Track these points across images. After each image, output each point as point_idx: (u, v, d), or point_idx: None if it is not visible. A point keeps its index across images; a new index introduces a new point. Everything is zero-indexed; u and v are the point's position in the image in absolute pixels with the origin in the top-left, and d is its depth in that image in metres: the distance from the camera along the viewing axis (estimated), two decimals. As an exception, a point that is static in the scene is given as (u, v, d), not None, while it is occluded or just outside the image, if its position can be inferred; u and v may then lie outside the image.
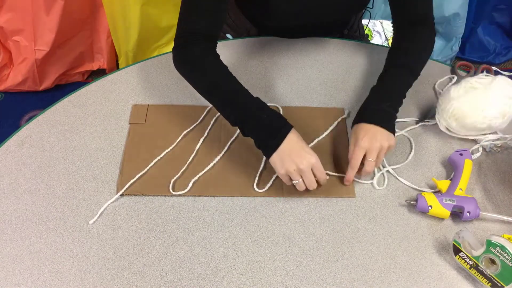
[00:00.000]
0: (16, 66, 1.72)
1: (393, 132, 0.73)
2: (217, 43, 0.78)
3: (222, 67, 0.75)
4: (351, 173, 0.73)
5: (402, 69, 0.79)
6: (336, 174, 0.76)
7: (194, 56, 0.75)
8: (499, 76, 0.78)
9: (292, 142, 0.68)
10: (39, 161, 0.77)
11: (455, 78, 0.92)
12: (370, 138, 0.71)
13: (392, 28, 0.88)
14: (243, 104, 0.72)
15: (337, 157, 0.79)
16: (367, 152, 0.71)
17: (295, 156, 0.67)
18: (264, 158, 0.77)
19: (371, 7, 0.97)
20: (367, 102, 0.77)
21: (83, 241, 0.68)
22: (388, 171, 0.77)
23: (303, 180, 0.68)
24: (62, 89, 1.83)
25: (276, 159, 0.68)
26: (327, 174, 0.75)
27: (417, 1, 0.84)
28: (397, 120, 0.84)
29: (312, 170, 0.68)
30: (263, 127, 0.69)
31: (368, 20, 1.20)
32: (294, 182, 0.69)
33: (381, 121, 0.72)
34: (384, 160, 0.78)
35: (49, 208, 0.71)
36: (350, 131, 0.82)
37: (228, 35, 1.04)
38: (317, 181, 0.70)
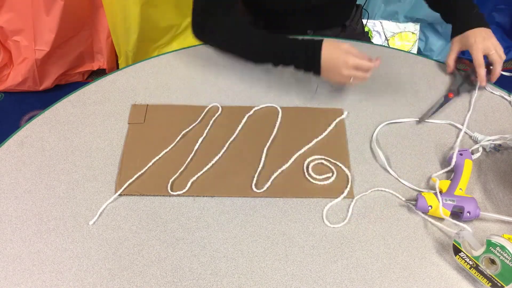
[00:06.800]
0: (16, 66, 1.72)
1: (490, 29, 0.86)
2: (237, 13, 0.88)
3: (245, 22, 0.87)
4: (482, 72, 0.83)
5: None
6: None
7: (218, 22, 0.85)
8: None
9: (328, 51, 0.78)
10: (39, 161, 0.77)
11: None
12: (481, 39, 0.83)
13: None
14: (279, 41, 0.82)
15: (335, 157, 0.79)
16: (486, 50, 0.83)
17: (336, 64, 0.77)
18: (263, 158, 0.77)
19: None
20: (461, 12, 0.89)
21: (83, 241, 0.68)
22: (388, 171, 0.77)
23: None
24: (62, 89, 1.83)
25: (326, 74, 0.79)
26: (331, 171, 0.76)
27: None
28: (396, 120, 0.85)
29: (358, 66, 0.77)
30: (300, 52, 0.79)
31: (366, 20, 1.20)
32: (356, 74, 0.77)
33: (483, 23, 0.86)
34: (385, 162, 0.78)
35: (49, 208, 0.71)
36: (349, 132, 0.83)
37: None
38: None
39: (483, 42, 0.82)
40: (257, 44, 0.84)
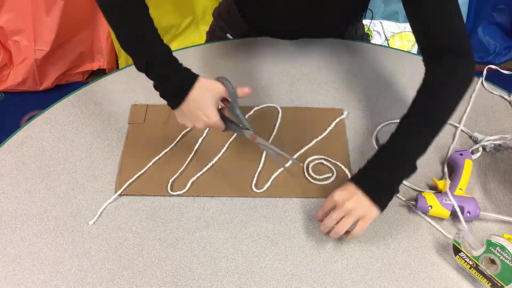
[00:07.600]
0: (16, 66, 1.72)
1: (381, 206, 0.63)
2: None
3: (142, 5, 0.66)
4: (319, 213, 0.67)
5: (422, 120, 0.66)
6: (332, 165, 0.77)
7: None
8: None
9: (196, 97, 0.64)
10: (39, 161, 0.77)
11: None
12: (346, 195, 0.63)
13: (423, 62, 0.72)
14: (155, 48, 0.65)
15: (335, 157, 0.79)
16: (335, 208, 0.63)
17: (195, 116, 0.65)
18: (263, 158, 0.77)
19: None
20: (369, 163, 0.66)
21: (83, 241, 0.68)
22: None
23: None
24: (62, 89, 1.83)
25: (178, 113, 0.67)
26: (330, 169, 0.76)
27: (442, 19, 0.66)
28: (396, 120, 0.85)
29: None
30: (170, 79, 0.65)
31: (370, 20, 1.20)
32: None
33: (373, 190, 0.63)
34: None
35: (49, 208, 0.71)
36: (349, 132, 0.83)
37: (228, 35, 1.04)
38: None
39: (343, 198, 0.63)
40: (135, 38, 0.65)
